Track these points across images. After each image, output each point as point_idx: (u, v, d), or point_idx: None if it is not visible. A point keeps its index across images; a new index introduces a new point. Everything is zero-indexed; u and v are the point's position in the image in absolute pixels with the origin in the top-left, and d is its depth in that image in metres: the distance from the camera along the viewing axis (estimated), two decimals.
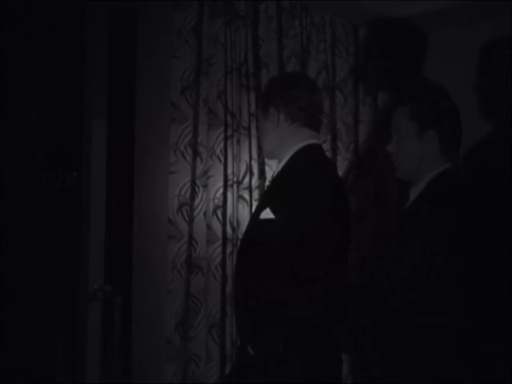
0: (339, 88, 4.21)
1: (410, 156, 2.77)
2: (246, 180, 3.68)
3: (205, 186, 3.55)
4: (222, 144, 3.60)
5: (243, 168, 3.68)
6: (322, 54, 4.12)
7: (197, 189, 3.54)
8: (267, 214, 2.73)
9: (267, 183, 3.66)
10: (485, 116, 4.04)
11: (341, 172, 4.15)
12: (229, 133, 3.63)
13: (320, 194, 2.67)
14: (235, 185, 3.62)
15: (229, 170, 3.62)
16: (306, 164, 2.82)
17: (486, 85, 4.08)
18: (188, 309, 3.50)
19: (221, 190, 3.59)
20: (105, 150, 3.80)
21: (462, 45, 4.24)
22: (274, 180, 2.94)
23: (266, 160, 3.77)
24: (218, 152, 3.59)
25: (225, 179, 3.60)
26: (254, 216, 2.85)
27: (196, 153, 3.54)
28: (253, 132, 3.72)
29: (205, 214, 3.55)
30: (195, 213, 3.53)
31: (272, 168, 3.79)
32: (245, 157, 3.69)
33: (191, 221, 3.52)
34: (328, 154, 4.08)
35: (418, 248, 2.62)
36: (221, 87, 3.62)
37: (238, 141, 3.66)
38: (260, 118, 3.02)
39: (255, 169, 3.73)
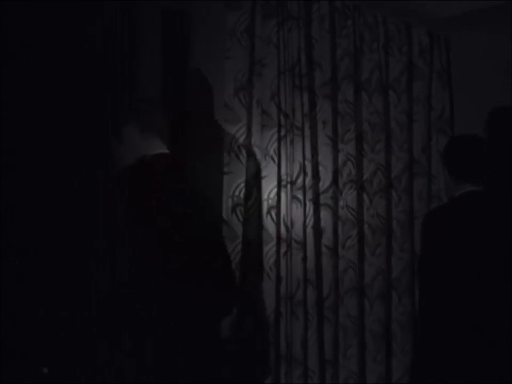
0: (392, 87, 4.19)
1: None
2: (300, 180, 3.68)
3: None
4: (275, 145, 3.60)
5: (296, 168, 3.68)
6: (375, 53, 4.11)
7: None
8: None
9: None
10: None
11: (395, 171, 4.14)
12: (282, 134, 3.63)
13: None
14: (289, 186, 3.63)
15: (283, 171, 3.62)
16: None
17: None
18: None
19: (275, 190, 3.59)
20: None
21: None
22: None
23: (320, 161, 3.77)
24: (272, 152, 3.59)
25: (279, 179, 3.60)
26: None
27: (249, 154, 3.55)
28: (307, 132, 3.72)
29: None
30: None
31: (327, 168, 3.79)
32: (298, 157, 3.68)
33: (245, 221, 3.53)
34: (382, 153, 4.08)
35: None
36: (274, 88, 3.62)
37: (292, 141, 3.66)
38: (115, 148, 3.03)
39: (309, 170, 3.72)
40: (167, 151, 2.96)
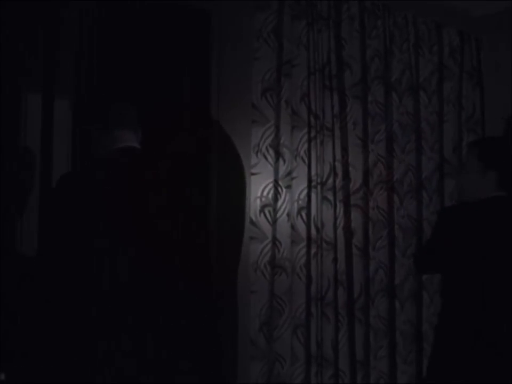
0: (423, 87, 4.18)
1: (473, 189, 3.14)
2: (330, 181, 3.68)
3: (288, 187, 3.55)
4: (305, 146, 3.61)
5: (327, 169, 3.67)
6: (406, 53, 4.09)
7: (279, 189, 3.55)
8: None
9: None
10: None
11: (426, 172, 4.12)
12: (312, 134, 3.63)
13: None
14: (319, 186, 3.63)
15: (313, 172, 3.62)
16: None
17: None
18: (272, 309, 3.50)
19: (305, 191, 3.59)
20: None
21: None
22: None
23: (350, 161, 3.76)
24: (302, 153, 3.60)
25: (309, 180, 3.61)
26: None
27: (278, 155, 3.55)
28: (337, 132, 3.72)
29: (288, 215, 3.55)
30: (278, 214, 3.54)
31: (357, 169, 3.78)
32: (328, 158, 3.68)
33: (274, 222, 3.52)
34: (413, 154, 4.06)
35: None
36: (304, 89, 3.63)
37: (322, 142, 3.66)
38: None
39: (339, 170, 3.72)
40: (134, 144, 2.85)
